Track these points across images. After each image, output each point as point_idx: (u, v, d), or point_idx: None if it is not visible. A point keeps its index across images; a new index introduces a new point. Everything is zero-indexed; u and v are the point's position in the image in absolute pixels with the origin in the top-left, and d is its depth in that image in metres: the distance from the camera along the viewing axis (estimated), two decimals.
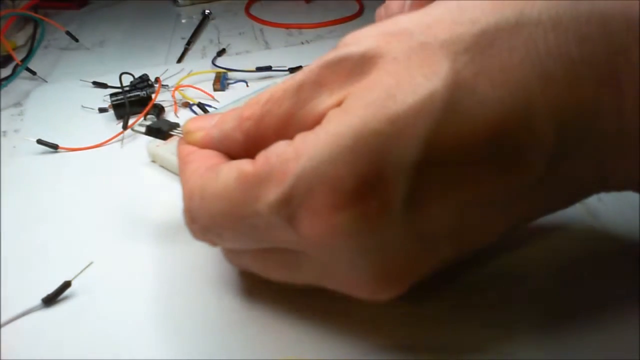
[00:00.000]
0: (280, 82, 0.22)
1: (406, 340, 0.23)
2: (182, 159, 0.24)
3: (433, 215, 0.19)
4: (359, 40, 0.20)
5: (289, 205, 0.19)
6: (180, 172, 0.24)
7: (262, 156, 0.20)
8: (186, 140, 0.25)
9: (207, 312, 0.25)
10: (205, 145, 0.24)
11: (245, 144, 0.23)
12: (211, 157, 0.23)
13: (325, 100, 0.20)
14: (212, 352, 0.23)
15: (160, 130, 0.29)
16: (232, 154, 0.23)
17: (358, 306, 0.22)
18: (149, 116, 0.40)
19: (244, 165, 0.20)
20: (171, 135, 0.28)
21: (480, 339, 0.22)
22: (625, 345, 0.22)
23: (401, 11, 0.27)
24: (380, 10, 0.29)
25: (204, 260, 0.27)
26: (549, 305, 0.24)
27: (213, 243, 0.23)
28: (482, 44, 0.19)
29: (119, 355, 0.23)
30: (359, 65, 0.20)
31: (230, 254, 0.25)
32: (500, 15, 0.19)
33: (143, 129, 0.29)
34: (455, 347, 0.22)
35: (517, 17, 0.19)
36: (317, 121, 0.20)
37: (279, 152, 0.20)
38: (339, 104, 0.20)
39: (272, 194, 0.19)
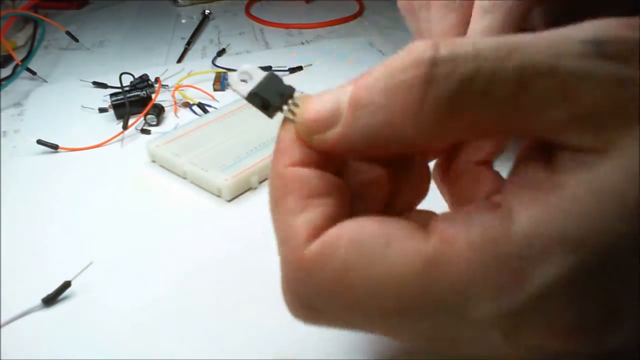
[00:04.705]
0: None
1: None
2: (283, 185, 0.17)
3: None
4: None
5: (515, 320, 0.14)
6: (276, 210, 0.17)
7: (470, 240, 0.14)
8: (305, 138, 0.17)
9: (206, 312, 0.25)
10: (336, 152, 0.16)
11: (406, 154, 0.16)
12: (332, 193, 0.16)
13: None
14: (211, 353, 0.23)
15: (268, 104, 0.18)
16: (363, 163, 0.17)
17: None
18: (148, 116, 0.40)
19: (434, 249, 0.14)
20: (279, 111, 0.18)
21: None
22: (626, 345, 0.22)
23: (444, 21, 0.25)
24: (419, 14, 0.26)
25: (203, 260, 0.27)
26: None
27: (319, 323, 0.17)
28: None
29: (118, 355, 0.23)
30: None
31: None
32: None
33: (241, 91, 0.19)
34: None
35: None
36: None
37: (507, 244, 0.14)
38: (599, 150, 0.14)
39: (497, 299, 0.14)
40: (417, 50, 0.15)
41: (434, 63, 0.14)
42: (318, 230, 0.16)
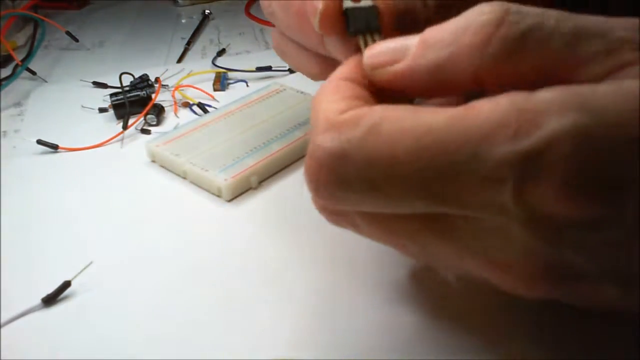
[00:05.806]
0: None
1: (405, 338, 0.23)
2: (332, 86, 0.19)
3: None
4: None
5: (526, 167, 0.15)
6: (317, 100, 0.19)
7: (495, 101, 0.16)
8: (367, 72, 0.19)
9: (206, 312, 0.25)
10: (402, 84, 0.18)
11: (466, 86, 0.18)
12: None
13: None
14: (211, 353, 0.23)
15: (349, 24, 0.21)
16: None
17: (361, 306, 0.22)
18: (148, 116, 0.40)
19: (461, 109, 0.16)
20: (356, 35, 0.21)
21: (481, 338, 0.22)
22: (626, 345, 0.22)
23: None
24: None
25: (203, 260, 0.27)
26: (549, 305, 0.24)
27: (338, 203, 0.18)
28: None
29: (118, 355, 0.23)
30: None
31: (338, 212, 0.20)
32: None
33: (345, 4, 0.21)
34: (456, 346, 0.22)
35: None
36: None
37: (530, 97, 0.16)
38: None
39: (512, 143, 0.15)
40: (489, 4, 0.17)
41: (506, 11, 0.17)
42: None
